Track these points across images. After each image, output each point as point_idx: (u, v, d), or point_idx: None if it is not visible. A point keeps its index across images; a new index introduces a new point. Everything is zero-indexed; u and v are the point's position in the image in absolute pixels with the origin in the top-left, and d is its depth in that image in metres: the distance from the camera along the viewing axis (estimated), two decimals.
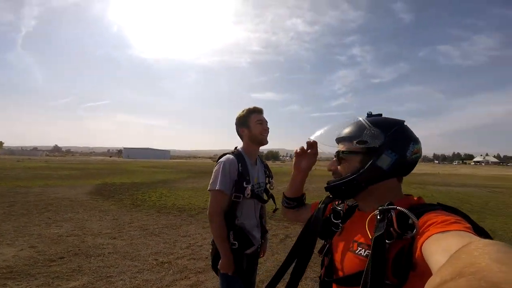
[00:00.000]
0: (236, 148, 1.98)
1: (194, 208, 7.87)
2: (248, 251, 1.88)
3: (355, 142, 0.85)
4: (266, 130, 1.94)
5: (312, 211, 1.07)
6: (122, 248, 4.50)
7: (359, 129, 0.86)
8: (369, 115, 0.91)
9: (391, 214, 0.69)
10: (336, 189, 0.89)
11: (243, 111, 1.97)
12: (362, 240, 0.80)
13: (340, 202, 1.01)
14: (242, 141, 1.99)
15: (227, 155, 1.90)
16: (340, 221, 0.97)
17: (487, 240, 0.44)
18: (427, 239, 0.60)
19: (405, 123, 0.87)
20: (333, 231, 0.97)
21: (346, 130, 0.89)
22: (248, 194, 1.82)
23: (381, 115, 0.92)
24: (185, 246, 4.67)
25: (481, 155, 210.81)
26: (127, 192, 10.49)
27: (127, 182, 14.19)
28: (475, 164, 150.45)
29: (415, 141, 0.84)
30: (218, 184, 1.78)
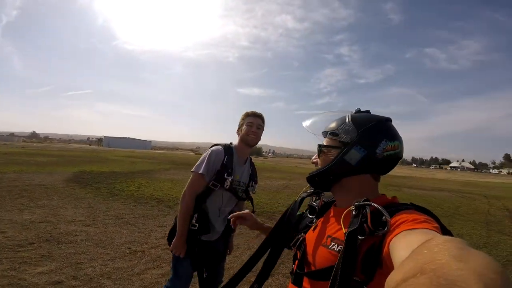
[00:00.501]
0: (231, 143, 2.11)
1: (172, 200, 7.84)
2: (204, 238, 1.96)
3: (328, 133, 0.91)
4: (253, 133, 2.03)
5: None
6: (96, 236, 4.47)
7: (340, 122, 0.90)
8: (357, 111, 0.94)
9: (366, 211, 0.70)
10: (312, 180, 0.94)
11: (242, 114, 2.14)
12: (336, 235, 0.82)
13: (316, 198, 1.04)
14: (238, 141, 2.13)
15: (217, 146, 2.04)
16: (314, 216, 1.01)
17: (447, 237, 0.46)
18: (395, 236, 0.62)
19: (388, 121, 0.89)
20: (307, 225, 1.00)
21: (331, 125, 0.93)
22: (227, 185, 1.94)
23: (368, 111, 0.95)
24: (160, 236, 4.68)
25: (457, 161, 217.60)
26: (105, 181, 10.31)
27: (106, 171, 13.92)
28: (451, 169, 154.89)
29: (391, 138, 0.85)
30: (202, 168, 1.92)
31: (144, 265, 3.54)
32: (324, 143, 0.93)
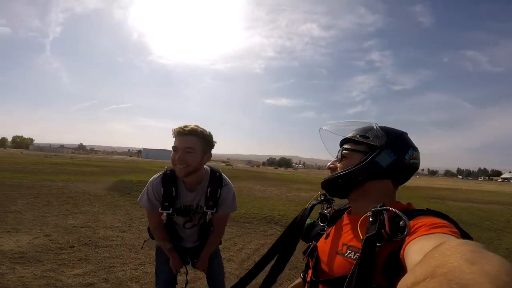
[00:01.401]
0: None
1: None
2: (180, 244, 1.94)
3: (358, 136, 0.91)
4: (178, 160, 1.57)
5: None
6: (130, 241, 4.68)
7: (365, 129, 0.92)
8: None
9: (383, 216, 0.69)
10: (333, 183, 0.91)
11: None
12: (352, 243, 0.81)
13: (327, 206, 1.03)
14: None
15: (157, 175, 1.77)
16: (326, 224, 1.00)
17: (460, 240, 0.45)
18: (412, 240, 0.61)
19: (407, 135, 0.93)
20: (318, 233, 1.00)
21: (355, 131, 0.94)
22: (163, 219, 1.72)
23: None
24: None
25: (510, 172, 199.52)
26: (142, 190, 10.77)
27: (144, 180, 14.55)
28: (502, 181, 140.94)
29: (414, 148, 0.89)
30: (143, 204, 1.76)
31: None
32: (348, 146, 0.93)
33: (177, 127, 1.62)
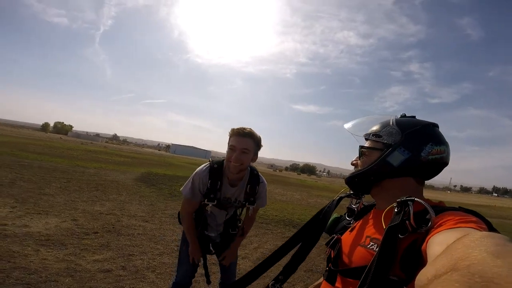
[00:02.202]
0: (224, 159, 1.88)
1: None
2: (206, 232, 2.03)
3: (371, 135, 0.91)
4: (235, 159, 1.71)
5: None
6: (151, 231, 4.79)
7: (383, 125, 0.90)
8: (402, 116, 0.93)
9: (408, 208, 0.67)
10: (351, 181, 0.93)
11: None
12: (376, 235, 0.80)
13: (356, 200, 1.03)
14: None
15: (203, 167, 1.87)
16: (352, 218, 1.00)
17: (484, 232, 0.42)
18: (436, 233, 0.59)
19: (435, 127, 0.87)
20: (344, 227, 1.00)
21: (373, 127, 0.93)
22: (208, 210, 1.91)
23: (414, 117, 0.92)
24: None
25: None
26: (168, 183, 11.07)
27: (170, 174, 14.97)
28: None
29: (437, 142, 0.83)
30: (188, 193, 1.85)
31: None
32: (366, 145, 0.93)
33: (236, 128, 1.78)
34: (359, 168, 0.92)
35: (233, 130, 1.77)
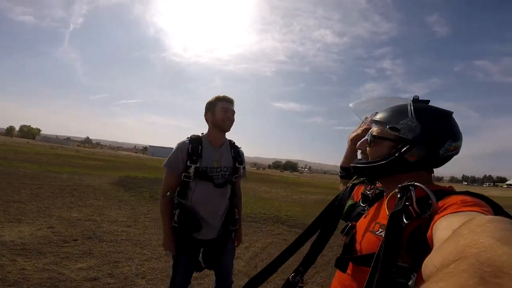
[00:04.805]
0: (202, 133, 2.03)
1: None
2: (197, 236, 1.87)
3: (388, 127, 0.82)
4: (229, 118, 1.98)
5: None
6: (135, 236, 4.54)
7: (399, 114, 0.82)
8: (416, 100, 0.85)
9: (410, 193, 0.65)
10: (359, 170, 0.89)
11: (212, 98, 2.02)
12: (384, 221, 0.77)
13: (370, 186, 0.99)
14: (208, 125, 2.03)
15: (184, 139, 1.98)
16: (367, 204, 0.97)
17: (490, 216, 0.41)
18: (441, 218, 0.58)
19: (452, 117, 0.81)
20: (359, 213, 0.98)
21: (385, 114, 0.85)
22: (191, 173, 1.84)
23: (428, 101, 0.86)
24: None
25: None
26: (148, 186, 10.70)
27: (149, 176, 14.53)
28: (507, 187, 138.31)
29: (455, 138, 0.79)
30: (166, 162, 1.91)
31: None
32: (377, 132, 0.86)
33: (221, 95, 2.01)
34: (369, 157, 0.88)
35: (220, 96, 2.00)
